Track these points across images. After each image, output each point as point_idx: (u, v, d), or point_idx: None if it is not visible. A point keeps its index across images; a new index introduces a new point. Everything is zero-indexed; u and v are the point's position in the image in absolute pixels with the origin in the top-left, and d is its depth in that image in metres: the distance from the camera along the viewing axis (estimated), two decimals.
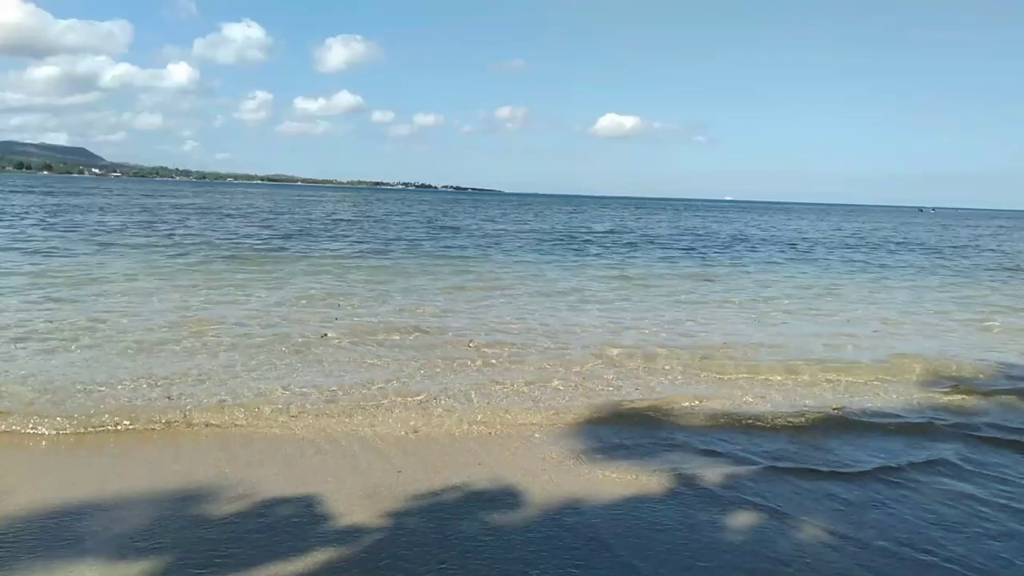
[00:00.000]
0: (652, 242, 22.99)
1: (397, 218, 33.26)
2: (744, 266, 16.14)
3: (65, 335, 6.20)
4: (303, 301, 8.65)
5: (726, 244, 23.51)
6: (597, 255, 17.63)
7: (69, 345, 5.90)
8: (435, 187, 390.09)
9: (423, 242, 19.64)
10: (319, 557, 2.81)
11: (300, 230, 22.49)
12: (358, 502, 3.32)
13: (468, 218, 36.48)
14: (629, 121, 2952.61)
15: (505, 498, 3.44)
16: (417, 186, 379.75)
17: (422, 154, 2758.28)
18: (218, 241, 17.10)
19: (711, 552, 2.96)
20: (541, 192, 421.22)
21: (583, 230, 28.81)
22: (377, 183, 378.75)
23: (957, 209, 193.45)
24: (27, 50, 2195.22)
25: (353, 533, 3.04)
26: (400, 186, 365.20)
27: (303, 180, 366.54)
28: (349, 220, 29.96)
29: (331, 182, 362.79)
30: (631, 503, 3.42)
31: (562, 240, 22.58)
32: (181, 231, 19.82)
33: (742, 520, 3.28)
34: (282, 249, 15.87)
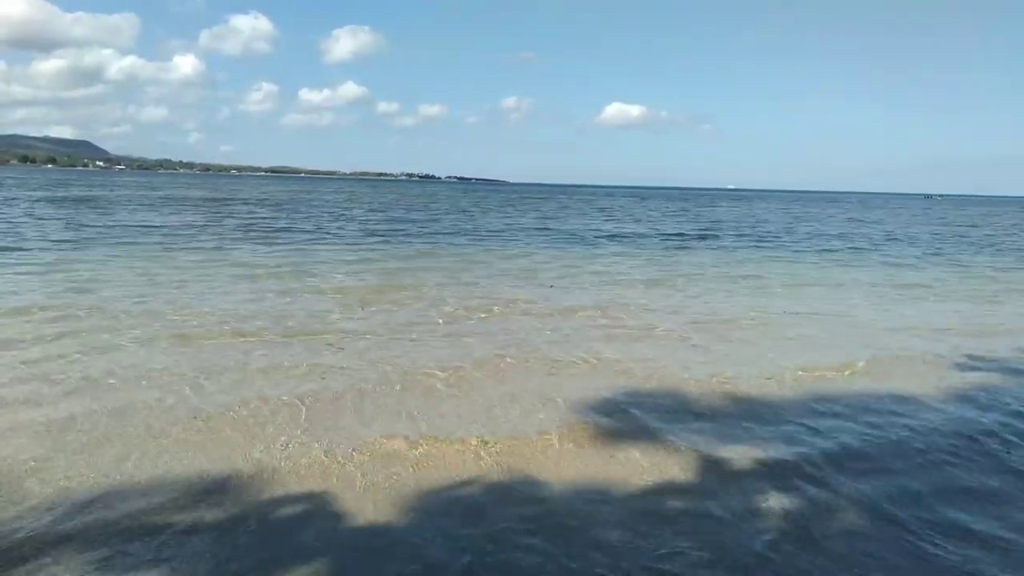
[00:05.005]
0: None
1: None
2: None
3: None
4: None
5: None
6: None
7: None
8: (439, 178, 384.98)
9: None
10: None
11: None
12: None
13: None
14: (635, 110, 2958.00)
15: None
16: (420, 177, 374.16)
17: (426, 145, 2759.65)
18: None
19: None
20: (545, 183, 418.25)
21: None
22: (380, 174, 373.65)
23: (962, 196, 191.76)
24: (34, 43, 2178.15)
25: None
26: (404, 177, 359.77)
27: (307, 172, 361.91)
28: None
29: (335, 173, 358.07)
30: None
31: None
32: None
33: None
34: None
